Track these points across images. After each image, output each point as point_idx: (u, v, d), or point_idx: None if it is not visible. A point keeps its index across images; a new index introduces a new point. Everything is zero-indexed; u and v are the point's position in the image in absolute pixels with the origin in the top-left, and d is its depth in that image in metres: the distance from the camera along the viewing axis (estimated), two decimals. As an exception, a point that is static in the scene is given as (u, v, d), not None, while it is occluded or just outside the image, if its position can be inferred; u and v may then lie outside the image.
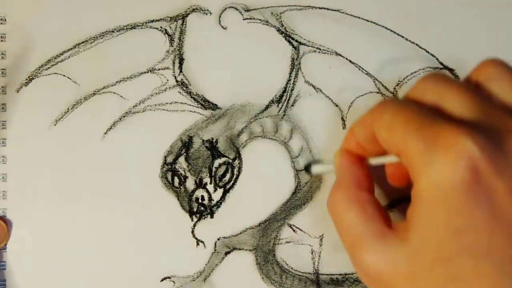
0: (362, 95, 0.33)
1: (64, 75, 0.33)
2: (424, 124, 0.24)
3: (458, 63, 0.34)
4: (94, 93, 0.33)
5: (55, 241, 0.32)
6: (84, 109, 0.33)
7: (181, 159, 0.33)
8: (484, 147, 0.22)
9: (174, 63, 0.33)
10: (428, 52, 0.34)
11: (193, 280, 0.33)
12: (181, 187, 0.33)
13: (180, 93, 0.33)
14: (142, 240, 0.33)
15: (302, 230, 0.33)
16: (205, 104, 0.33)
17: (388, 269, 0.25)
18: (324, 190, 0.33)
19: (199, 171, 0.33)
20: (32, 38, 0.33)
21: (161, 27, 0.33)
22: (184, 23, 0.34)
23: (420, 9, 0.34)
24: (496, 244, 0.22)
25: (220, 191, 0.33)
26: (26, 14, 0.33)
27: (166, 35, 0.33)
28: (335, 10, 0.34)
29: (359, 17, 0.34)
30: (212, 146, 0.33)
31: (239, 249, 0.33)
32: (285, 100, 0.33)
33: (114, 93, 0.33)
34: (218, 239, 0.33)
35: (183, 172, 0.33)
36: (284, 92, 0.33)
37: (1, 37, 0.33)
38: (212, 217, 0.33)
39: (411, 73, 0.33)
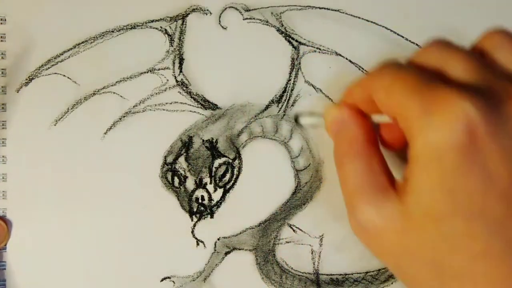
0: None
1: (64, 75, 0.33)
2: (422, 87, 0.24)
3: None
4: (94, 93, 0.33)
5: (55, 241, 0.32)
6: (84, 109, 0.33)
7: (181, 159, 0.33)
8: (483, 110, 0.22)
9: (174, 63, 0.33)
10: (428, 52, 0.34)
11: (193, 280, 0.33)
12: (181, 187, 0.33)
13: (180, 93, 0.33)
14: (142, 240, 0.33)
15: (302, 230, 0.33)
16: (205, 104, 0.33)
17: (383, 224, 0.25)
18: (324, 190, 0.33)
19: (199, 171, 0.33)
20: (32, 38, 0.33)
21: (161, 27, 0.33)
22: (184, 23, 0.34)
23: (420, 9, 0.34)
24: (488, 206, 0.23)
25: (220, 191, 0.33)
26: (26, 14, 0.33)
27: (166, 35, 0.33)
28: (335, 10, 0.34)
29: (359, 17, 0.34)
30: (212, 146, 0.33)
31: (239, 249, 0.33)
32: (285, 100, 0.33)
33: (114, 93, 0.33)
34: (218, 239, 0.33)
35: (183, 172, 0.33)
36: (284, 92, 0.34)
37: (1, 37, 0.33)
38: (212, 217, 0.33)
39: (411, 73, 0.33)
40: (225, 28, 0.34)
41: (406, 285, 0.26)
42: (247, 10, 0.34)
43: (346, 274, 0.33)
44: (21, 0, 0.33)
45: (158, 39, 0.33)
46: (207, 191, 0.33)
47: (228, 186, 0.33)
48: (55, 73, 0.33)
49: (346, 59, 0.34)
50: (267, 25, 0.34)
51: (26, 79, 0.33)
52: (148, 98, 0.33)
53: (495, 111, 0.23)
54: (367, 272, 0.33)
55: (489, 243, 0.23)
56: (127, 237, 0.33)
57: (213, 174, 0.33)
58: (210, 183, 0.33)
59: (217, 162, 0.33)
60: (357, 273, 0.33)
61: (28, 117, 0.33)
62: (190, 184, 0.33)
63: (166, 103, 0.33)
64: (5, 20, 0.33)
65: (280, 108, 0.33)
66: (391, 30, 0.34)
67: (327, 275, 0.33)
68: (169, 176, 0.33)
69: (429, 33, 0.34)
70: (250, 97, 0.33)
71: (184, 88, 0.33)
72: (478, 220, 0.23)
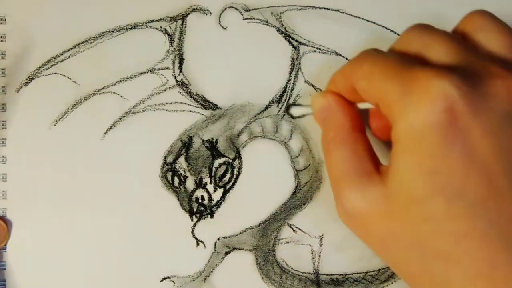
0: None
1: (64, 75, 0.33)
2: (402, 70, 0.24)
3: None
4: (94, 93, 0.33)
5: (55, 241, 0.32)
6: (84, 109, 0.33)
7: (181, 159, 0.33)
8: (462, 89, 0.22)
9: (174, 63, 0.33)
10: (428, 52, 0.34)
11: (193, 280, 0.33)
12: (181, 187, 0.33)
13: (180, 93, 0.33)
14: (142, 240, 0.33)
15: (302, 230, 0.33)
16: (205, 104, 0.33)
17: (367, 208, 0.25)
18: (324, 190, 0.33)
19: (199, 171, 0.33)
20: (32, 38, 0.33)
21: (161, 27, 0.33)
22: (184, 23, 0.34)
23: (420, 9, 0.34)
24: (470, 185, 0.22)
25: (220, 191, 0.33)
26: (26, 14, 0.33)
27: (166, 35, 0.33)
28: (335, 10, 0.34)
29: (359, 17, 0.34)
30: (212, 146, 0.33)
31: (239, 249, 0.33)
32: (285, 100, 0.33)
33: (114, 93, 0.33)
34: (218, 239, 0.33)
35: (183, 172, 0.33)
36: (284, 92, 0.34)
37: (1, 37, 0.33)
38: (212, 217, 0.33)
39: (411, 73, 0.33)
40: (225, 28, 0.34)
41: (392, 268, 0.27)
42: (247, 10, 0.34)
43: (346, 274, 0.33)
44: (21, 0, 0.33)
45: (158, 39, 0.33)
46: (207, 191, 0.33)
47: (228, 186, 0.33)
48: (55, 73, 0.33)
49: (346, 59, 0.34)
50: (267, 25, 0.34)
51: (26, 79, 0.33)
52: (148, 98, 0.33)
53: (475, 89, 0.23)
54: (367, 272, 0.33)
55: (471, 224, 0.22)
56: (127, 237, 0.33)
57: (213, 174, 0.33)
58: (210, 183, 0.33)
59: (217, 162, 0.33)
60: (357, 273, 0.33)
61: (28, 117, 0.33)
62: (190, 184, 0.33)
63: (166, 103, 0.33)
64: (5, 20, 0.33)
65: (280, 108, 0.33)
66: (391, 30, 0.34)
67: (327, 275, 0.33)
68: (169, 176, 0.33)
69: (429, 33, 0.34)
70: (250, 97, 0.33)
71: (184, 88, 0.33)
72: (459, 201, 0.22)
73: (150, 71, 0.33)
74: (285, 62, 0.34)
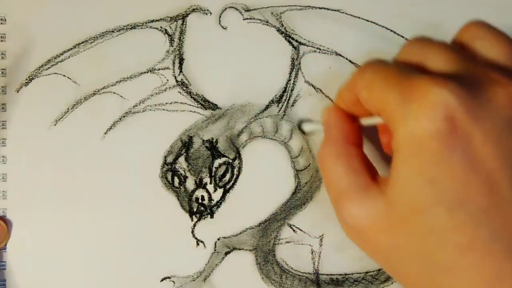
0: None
1: (64, 75, 0.33)
2: (402, 79, 0.24)
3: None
4: (94, 93, 0.33)
5: (55, 241, 0.32)
6: (84, 109, 0.33)
7: (181, 159, 0.33)
8: (461, 96, 0.22)
9: (174, 63, 0.33)
10: (428, 52, 0.34)
11: (193, 280, 0.33)
12: (181, 187, 0.33)
13: (180, 93, 0.33)
14: (142, 240, 0.33)
15: (302, 230, 0.33)
16: (205, 104, 0.33)
17: (367, 221, 0.25)
18: (324, 190, 0.33)
19: (199, 171, 0.33)
20: (32, 38, 0.33)
21: (161, 27, 0.33)
22: (184, 23, 0.34)
23: (420, 9, 0.34)
24: (471, 194, 0.22)
25: (220, 191, 0.33)
26: (26, 14, 0.33)
27: (166, 35, 0.33)
28: (335, 10, 0.34)
29: (359, 17, 0.34)
30: (212, 146, 0.33)
31: (239, 249, 0.33)
32: (285, 100, 0.33)
33: (114, 93, 0.33)
34: (218, 239, 0.33)
35: (183, 172, 0.33)
36: (284, 92, 0.34)
37: (1, 37, 0.33)
38: (212, 217, 0.33)
39: (411, 73, 0.33)
40: (225, 28, 0.34)
41: (398, 281, 0.26)
42: (247, 10, 0.34)
43: (346, 274, 0.33)
44: (21, 0, 0.33)
45: (158, 39, 0.33)
46: (207, 191, 0.33)
47: (228, 186, 0.33)
48: (55, 73, 0.33)
49: (346, 59, 0.34)
50: (267, 25, 0.34)
51: (26, 79, 0.33)
52: (148, 98, 0.33)
53: (474, 96, 0.22)
54: (367, 272, 0.33)
55: (474, 234, 0.22)
56: (127, 237, 0.33)
57: (213, 174, 0.33)
58: (210, 183, 0.33)
59: (217, 162, 0.33)
60: (357, 273, 0.33)
61: (28, 117, 0.33)
62: (190, 184, 0.33)
63: (166, 103, 0.33)
64: (5, 20, 0.33)
65: (280, 108, 0.33)
66: (391, 30, 0.34)
67: (327, 275, 0.33)
68: (169, 176, 0.33)
69: (428, 33, 0.34)
70: (250, 97, 0.33)
71: (184, 88, 0.33)
72: (461, 210, 0.22)
73: (150, 71, 0.33)
74: (285, 62, 0.34)
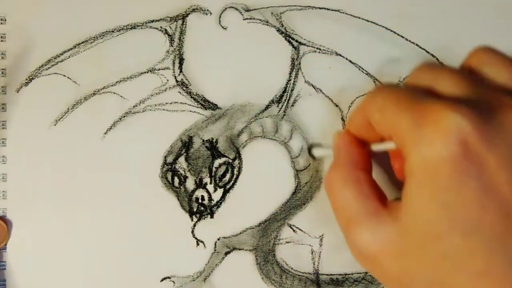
0: (362, 95, 0.33)
1: (64, 75, 0.33)
2: (414, 103, 0.24)
3: (458, 63, 0.34)
4: (94, 93, 0.33)
5: (55, 241, 0.32)
6: (84, 109, 0.33)
7: (181, 159, 0.33)
8: (474, 120, 0.22)
9: (174, 63, 0.33)
10: (428, 52, 0.34)
11: (193, 280, 0.33)
12: (181, 187, 0.33)
13: (180, 93, 0.33)
14: (142, 240, 0.33)
15: (302, 230, 0.33)
16: (205, 104, 0.33)
17: (380, 247, 0.25)
18: (324, 190, 0.33)
19: (199, 171, 0.33)
20: (32, 38, 0.33)
21: (161, 27, 0.33)
22: (184, 23, 0.34)
23: (420, 9, 0.34)
24: (486, 219, 0.22)
25: (220, 191, 0.33)
26: (26, 14, 0.33)
27: (166, 35, 0.33)
28: (335, 10, 0.34)
29: (359, 17, 0.34)
30: (212, 146, 0.33)
31: (239, 249, 0.33)
32: (285, 100, 0.33)
33: (114, 93, 0.33)
34: (218, 239, 0.33)
35: (183, 172, 0.33)
36: (284, 92, 0.34)
37: (1, 37, 0.33)
38: (212, 217, 0.33)
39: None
40: (225, 28, 0.34)
41: None
42: (247, 10, 0.34)
43: (346, 274, 0.33)
44: (21, 0, 0.33)
45: (158, 39, 0.33)
46: (207, 191, 0.33)
47: (228, 186, 0.33)
48: (55, 73, 0.33)
49: (346, 59, 0.34)
50: (267, 25, 0.34)
51: (26, 79, 0.33)
52: (148, 98, 0.33)
53: (487, 120, 0.22)
54: (367, 272, 0.33)
55: (489, 260, 0.22)
56: (127, 237, 0.33)
57: (213, 174, 0.33)
58: (210, 183, 0.33)
59: (217, 162, 0.33)
60: (357, 273, 0.33)
61: (28, 117, 0.33)
62: (190, 184, 0.33)
63: (166, 103, 0.33)
64: (5, 20, 0.33)
65: (280, 108, 0.33)
66: (391, 30, 0.34)
67: (327, 275, 0.33)
68: (169, 176, 0.33)
69: (428, 33, 0.34)
70: (250, 97, 0.33)
71: (184, 88, 0.33)
72: (476, 236, 0.22)
73: (150, 71, 0.33)
74: (285, 62, 0.34)
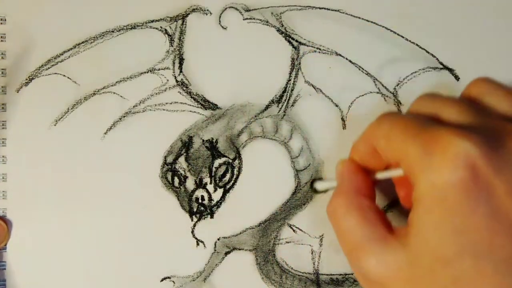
0: (362, 95, 0.33)
1: (64, 75, 0.33)
2: (421, 130, 0.24)
3: (458, 63, 0.34)
4: (94, 93, 0.33)
5: (55, 241, 0.32)
6: (84, 109, 0.33)
7: (181, 159, 0.33)
8: (482, 146, 0.22)
9: (174, 63, 0.33)
10: (428, 52, 0.34)
11: (193, 280, 0.33)
12: (181, 187, 0.33)
13: (180, 93, 0.33)
14: (142, 240, 0.33)
15: (302, 230, 0.33)
16: (205, 104, 0.33)
17: (389, 273, 0.24)
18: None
19: (199, 171, 0.33)
20: (32, 38, 0.33)
21: (161, 27, 0.33)
22: (184, 23, 0.34)
23: (420, 9, 0.34)
24: (496, 244, 0.22)
25: (220, 191, 0.33)
26: (26, 14, 0.33)
27: (166, 35, 0.33)
28: (335, 10, 0.34)
29: (359, 17, 0.34)
30: (212, 146, 0.33)
31: (239, 249, 0.33)
32: (285, 100, 0.33)
33: (114, 93, 0.33)
34: (218, 239, 0.33)
35: (183, 172, 0.33)
36: (284, 92, 0.34)
37: (1, 37, 0.33)
38: (212, 217, 0.33)
39: (411, 73, 0.33)
40: (225, 28, 0.34)
41: None
42: (247, 10, 0.34)
43: (346, 274, 0.33)
44: (21, 0, 0.33)
45: (158, 39, 0.33)
46: (207, 191, 0.33)
47: (228, 186, 0.33)
48: (55, 73, 0.33)
49: (346, 59, 0.34)
50: (267, 25, 0.34)
51: (26, 79, 0.33)
52: (148, 98, 0.33)
53: (495, 147, 0.23)
54: (367, 272, 0.33)
55: (501, 282, 0.22)
56: (127, 237, 0.33)
57: (213, 174, 0.33)
58: (210, 183, 0.33)
59: (217, 162, 0.33)
60: (357, 273, 0.33)
61: (28, 117, 0.33)
62: (190, 184, 0.33)
63: (166, 103, 0.33)
64: (5, 20, 0.33)
65: (280, 108, 0.33)
66: (391, 30, 0.34)
67: (327, 275, 0.33)
68: (169, 176, 0.33)
69: (428, 33, 0.34)
70: (250, 97, 0.33)
71: (184, 88, 0.33)
72: (486, 260, 0.22)
73: (150, 71, 0.33)
74: (285, 62, 0.34)
